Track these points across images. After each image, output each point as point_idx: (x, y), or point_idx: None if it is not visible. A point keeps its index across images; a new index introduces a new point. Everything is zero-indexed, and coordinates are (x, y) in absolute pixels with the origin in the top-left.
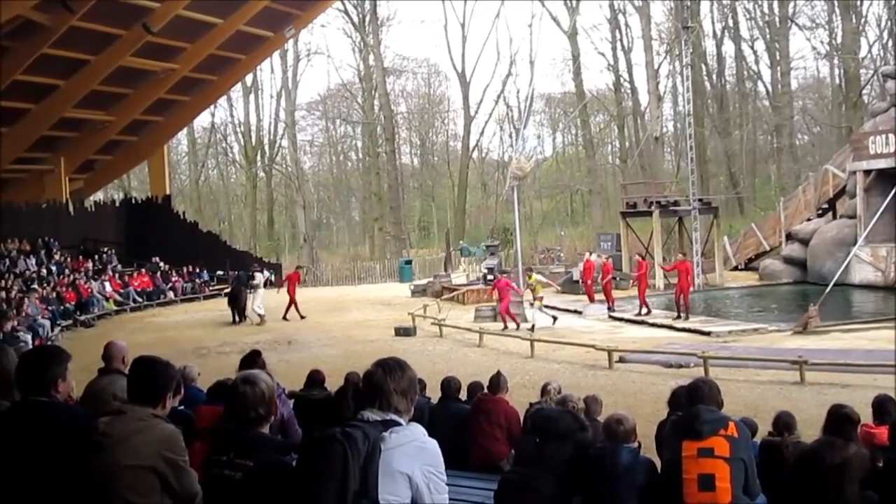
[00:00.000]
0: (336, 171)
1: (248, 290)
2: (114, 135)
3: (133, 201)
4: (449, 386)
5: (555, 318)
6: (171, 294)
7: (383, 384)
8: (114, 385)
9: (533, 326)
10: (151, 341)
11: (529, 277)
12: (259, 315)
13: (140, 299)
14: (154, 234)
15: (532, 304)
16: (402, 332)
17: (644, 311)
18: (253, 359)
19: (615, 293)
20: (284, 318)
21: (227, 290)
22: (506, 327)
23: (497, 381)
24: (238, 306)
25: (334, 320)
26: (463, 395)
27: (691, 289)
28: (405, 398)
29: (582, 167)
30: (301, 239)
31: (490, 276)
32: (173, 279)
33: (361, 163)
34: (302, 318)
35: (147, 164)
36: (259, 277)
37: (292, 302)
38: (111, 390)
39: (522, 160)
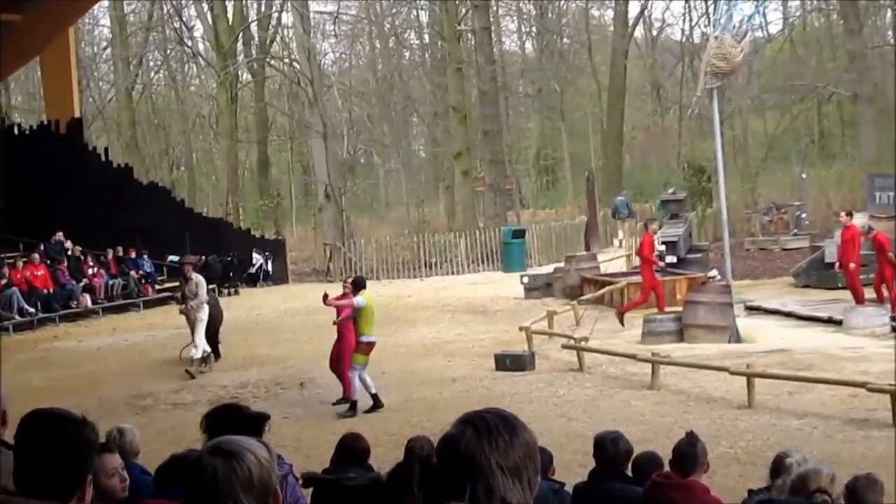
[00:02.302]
0: (382, 69)
1: (187, 305)
2: None
3: (15, 131)
4: (610, 446)
5: (375, 403)
6: (86, 298)
7: (477, 457)
8: None
9: (353, 405)
10: (54, 383)
11: (344, 285)
12: (198, 356)
13: (32, 308)
14: (54, 191)
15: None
16: (510, 362)
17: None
18: (240, 419)
19: None
20: (621, 321)
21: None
22: (347, 402)
23: (689, 452)
24: (216, 328)
25: (384, 343)
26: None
27: None
28: (518, 480)
29: (838, 53)
30: (321, 194)
31: (670, 258)
32: (90, 272)
33: (428, 52)
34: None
35: (39, 66)
36: (200, 284)
37: (650, 292)
38: None
39: (728, 42)
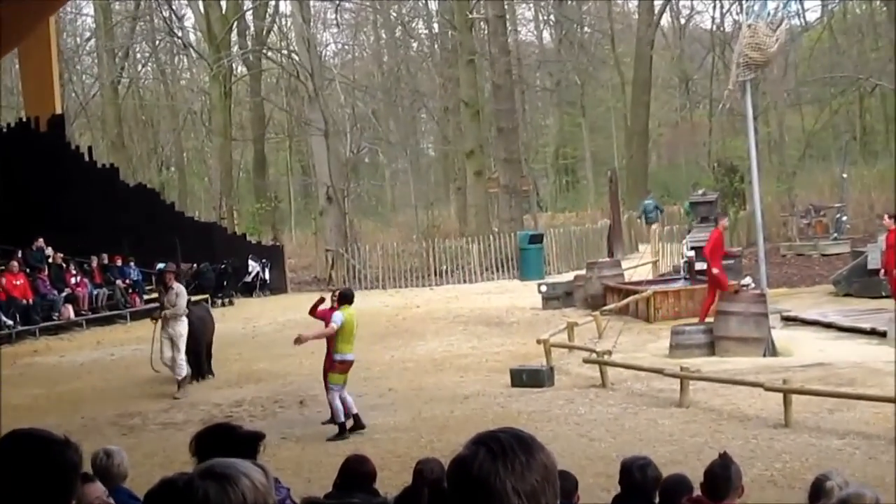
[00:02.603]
0: (388, 61)
1: (160, 317)
2: None
3: None
4: (638, 473)
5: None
6: (69, 310)
7: (491, 480)
8: None
9: (342, 428)
10: (34, 401)
11: (333, 298)
12: (183, 374)
13: (10, 321)
14: (34, 194)
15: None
16: (527, 378)
17: None
18: (232, 440)
19: None
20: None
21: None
22: (341, 432)
23: (722, 474)
24: (200, 343)
25: (390, 357)
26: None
27: None
28: None
29: (881, 42)
30: (322, 197)
31: (700, 265)
32: (73, 281)
33: (438, 43)
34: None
35: (18, 59)
36: (181, 294)
37: (724, 285)
38: None
39: (762, 30)
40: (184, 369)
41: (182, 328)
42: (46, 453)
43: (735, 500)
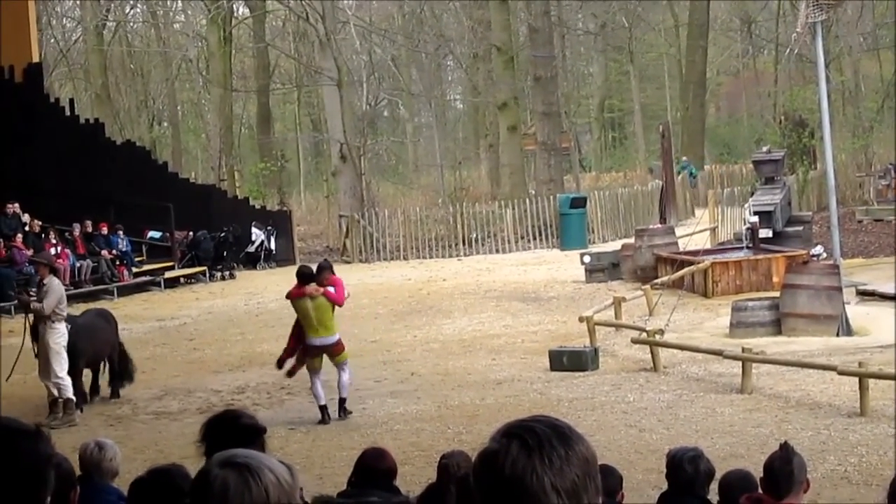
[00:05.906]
0: (410, 2)
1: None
2: None
3: None
4: (688, 466)
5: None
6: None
7: (527, 478)
8: None
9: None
10: (7, 388)
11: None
12: (67, 395)
13: None
14: (8, 152)
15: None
16: (568, 361)
17: None
18: (234, 429)
19: None
20: None
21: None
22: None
23: (783, 469)
24: (77, 361)
25: (413, 337)
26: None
27: None
28: None
29: None
30: (335, 155)
31: (765, 232)
32: (53, 252)
33: None
34: None
35: None
36: (52, 291)
37: None
38: None
39: None
40: (68, 389)
41: (57, 338)
42: (15, 448)
43: (800, 497)
